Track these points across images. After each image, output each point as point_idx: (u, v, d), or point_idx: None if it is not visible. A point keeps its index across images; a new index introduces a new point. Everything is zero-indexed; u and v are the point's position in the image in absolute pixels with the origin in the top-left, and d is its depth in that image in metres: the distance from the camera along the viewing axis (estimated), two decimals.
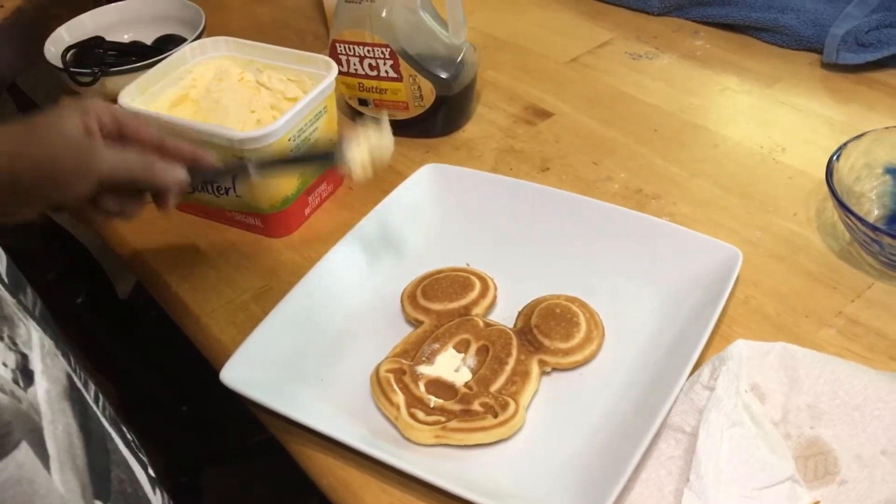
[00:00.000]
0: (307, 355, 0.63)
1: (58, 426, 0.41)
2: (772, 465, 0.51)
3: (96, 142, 0.55)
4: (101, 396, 0.50)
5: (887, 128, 0.69)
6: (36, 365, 0.42)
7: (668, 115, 0.86)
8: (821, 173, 0.67)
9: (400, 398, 0.57)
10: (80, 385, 0.46)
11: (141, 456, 0.51)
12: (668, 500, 0.52)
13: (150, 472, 0.51)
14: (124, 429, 0.51)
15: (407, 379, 0.58)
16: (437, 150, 0.85)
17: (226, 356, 0.62)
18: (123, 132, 0.58)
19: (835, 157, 0.67)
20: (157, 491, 0.51)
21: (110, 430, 0.48)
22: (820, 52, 0.89)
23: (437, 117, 0.85)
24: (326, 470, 0.57)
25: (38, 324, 0.45)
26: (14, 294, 0.45)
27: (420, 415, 0.56)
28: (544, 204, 0.72)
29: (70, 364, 0.46)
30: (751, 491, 0.50)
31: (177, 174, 0.59)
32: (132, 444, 0.51)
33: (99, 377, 0.53)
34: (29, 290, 0.48)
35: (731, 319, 0.63)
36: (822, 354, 0.58)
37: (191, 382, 1.02)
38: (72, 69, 0.91)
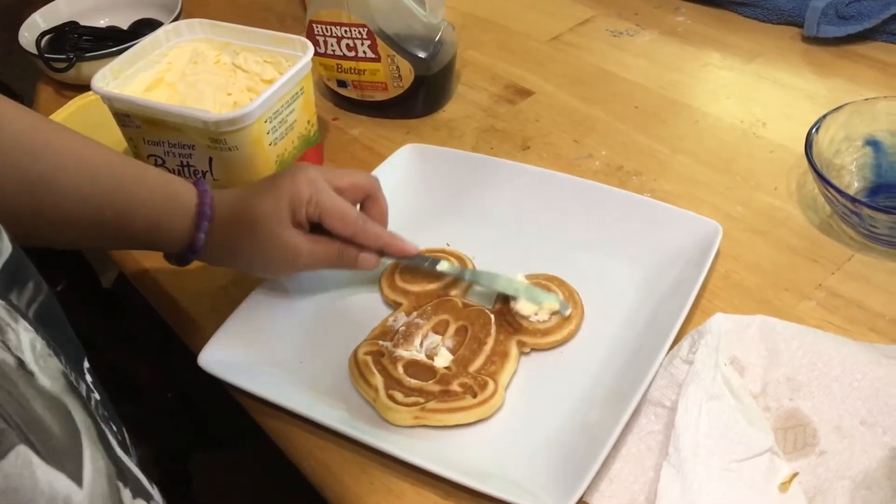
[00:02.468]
0: (286, 338, 0.62)
1: (61, 424, 0.40)
2: (751, 437, 0.51)
3: (301, 245, 0.60)
4: (92, 396, 0.49)
5: (867, 99, 0.69)
6: (32, 367, 0.41)
7: (649, 91, 0.85)
8: (801, 147, 0.66)
9: (378, 380, 0.56)
10: (74, 384, 0.46)
11: (131, 456, 0.51)
12: (648, 474, 0.52)
13: (141, 473, 0.50)
14: (115, 428, 0.51)
15: (385, 361, 0.58)
16: (418, 130, 0.84)
17: (205, 341, 0.61)
18: (324, 221, 0.60)
19: (814, 130, 0.67)
20: (154, 487, 0.50)
21: (105, 430, 0.47)
22: (801, 25, 0.89)
23: (417, 97, 0.84)
24: (307, 452, 0.57)
25: (31, 324, 0.45)
26: (4, 295, 0.44)
27: (399, 396, 0.55)
28: (525, 183, 0.72)
29: (61, 363, 0.46)
30: (730, 463, 0.50)
31: (367, 264, 0.62)
32: (123, 443, 0.51)
33: (89, 368, 0.53)
34: (30, 285, 0.47)
35: (711, 294, 0.63)
36: (802, 327, 0.58)
37: (178, 369, 1.01)
38: (46, 55, 0.90)
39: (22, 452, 0.35)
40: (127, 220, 0.60)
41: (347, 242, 0.61)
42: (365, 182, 0.63)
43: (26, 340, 0.42)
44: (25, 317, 0.45)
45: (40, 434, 0.38)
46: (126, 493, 0.44)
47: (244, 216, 0.60)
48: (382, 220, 0.64)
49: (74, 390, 0.44)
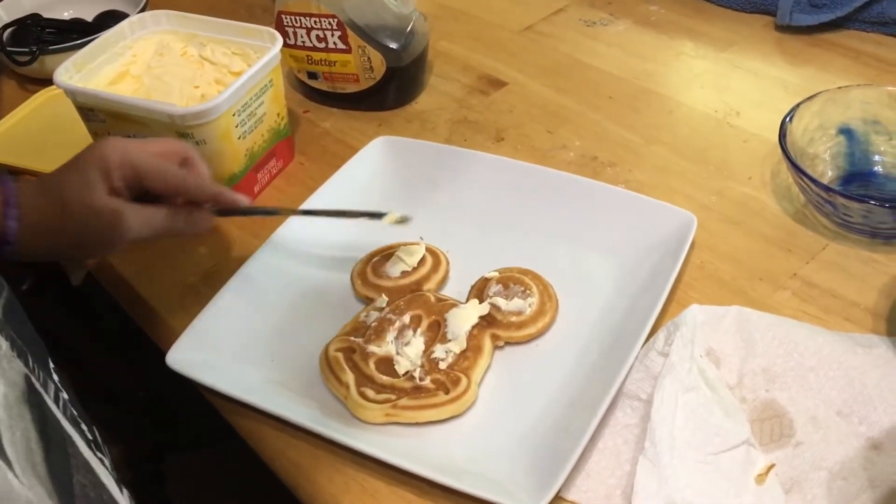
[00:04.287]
0: (257, 336, 0.61)
1: (16, 432, 0.39)
2: (727, 429, 0.51)
3: (121, 208, 0.57)
4: (60, 395, 0.48)
5: (840, 88, 0.69)
6: None
7: (622, 81, 0.85)
8: (775, 136, 0.66)
9: (349, 377, 0.55)
10: (38, 387, 0.45)
11: (103, 455, 0.50)
12: (625, 468, 0.52)
13: (112, 472, 0.49)
14: (84, 428, 0.49)
15: (357, 357, 0.57)
16: (390, 122, 0.83)
17: (174, 339, 0.60)
18: (144, 182, 0.58)
19: (787, 119, 0.67)
20: (124, 490, 0.49)
21: (71, 431, 0.46)
22: (774, 14, 0.89)
23: (389, 89, 0.83)
24: (278, 452, 0.56)
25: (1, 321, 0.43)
26: None
27: (370, 393, 0.54)
28: (499, 175, 0.71)
29: (28, 365, 0.45)
30: (706, 456, 0.50)
31: (201, 225, 0.61)
32: (93, 443, 0.49)
33: (56, 368, 0.52)
34: None
35: (687, 285, 0.63)
36: (777, 317, 0.57)
37: (149, 369, 1.00)
38: (9, 48, 0.88)
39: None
40: None
41: (176, 205, 0.59)
42: (178, 147, 0.61)
43: None
44: None
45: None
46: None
47: (53, 196, 0.57)
48: (204, 177, 0.61)
49: (32, 397, 0.42)
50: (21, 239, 0.58)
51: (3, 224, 0.57)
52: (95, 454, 0.48)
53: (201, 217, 0.60)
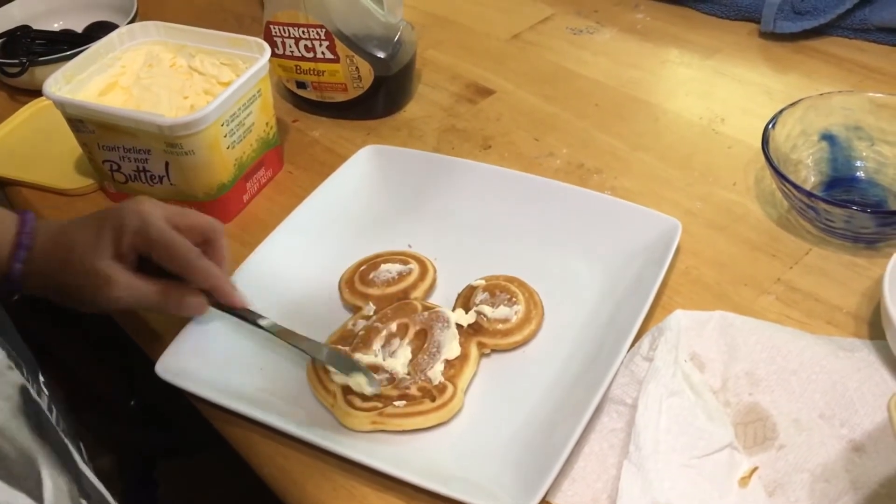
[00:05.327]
0: (245, 344, 0.62)
1: (14, 446, 0.39)
2: (711, 433, 0.52)
3: (115, 276, 0.58)
4: (54, 407, 0.48)
5: (822, 94, 0.70)
6: None
7: (609, 89, 0.86)
8: (759, 142, 0.67)
9: (337, 385, 0.56)
10: (35, 397, 0.45)
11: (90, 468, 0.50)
12: (610, 472, 0.52)
13: (100, 485, 0.49)
14: (80, 442, 0.50)
15: None
16: (378, 131, 0.84)
17: (163, 348, 0.60)
18: (152, 255, 0.59)
19: (770, 126, 0.67)
20: (115, 501, 0.49)
21: (68, 444, 0.46)
22: (758, 21, 0.90)
23: (377, 98, 0.83)
24: (268, 459, 0.56)
25: None
26: None
27: (357, 401, 0.55)
28: (487, 182, 0.72)
29: (23, 374, 0.45)
30: (690, 459, 0.50)
31: (192, 310, 0.60)
32: (84, 456, 0.50)
33: (45, 377, 0.52)
34: None
35: (672, 290, 0.63)
36: (760, 321, 0.58)
37: (140, 377, 1.00)
38: None
39: None
40: None
41: (178, 282, 0.59)
42: (205, 225, 0.61)
43: None
44: None
45: None
46: None
47: (62, 246, 0.59)
48: (220, 265, 0.61)
49: (29, 407, 0.43)
50: (24, 280, 0.60)
51: (11, 264, 0.60)
52: (87, 465, 0.48)
53: (194, 303, 0.60)
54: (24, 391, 0.43)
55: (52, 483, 0.39)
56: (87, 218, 0.61)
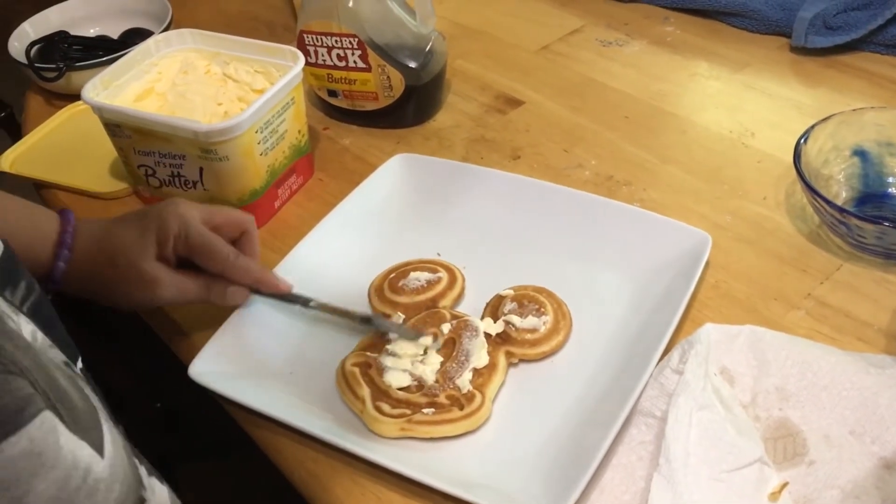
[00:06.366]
0: (276, 349, 0.62)
1: (80, 396, 0.40)
2: (740, 447, 0.51)
3: (161, 276, 0.60)
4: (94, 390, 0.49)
5: (854, 110, 0.70)
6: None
7: (638, 101, 0.86)
8: (789, 157, 0.67)
9: (365, 391, 0.56)
10: (78, 373, 0.46)
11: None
12: (639, 485, 0.52)
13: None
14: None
15: (373, 372, 0.57)
16: (408, 140, 0.84)
17: (195, 352, 0.61)
18: (193, 258, 0.61)
19: (802, 140, 0.67)
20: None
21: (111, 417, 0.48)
22: (789, 35, 0.90)
23: (408, 107, 0.84)
24: (297, 464, 0.57)
25: (29, 319, 0.44)
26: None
27: (386, 408, 0.55)
28: (515, 192, 0.72)
29: (64, 356, 0.46)
30: (720, 473, 0.50)
31: (235, 300, 0.63)
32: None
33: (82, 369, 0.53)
34: (23, 284, 0.47)
35: (701, 304, 0.63)
36: (790, 336, 0.58)
37: (163, 379, 1.01)
38: (36, 65, 0.90)
39: (48, 418, 0.35)
40: None
41: (219, 277, 0.62)
42: (240, 218, 0.64)
43: (28, 332, 0.42)
44: (22, 312, 0.45)
45: (65, 403, 0.38)
46: (142, 470, 0.44)
47: (106, 246, 0.61)
48: (255, 256, 0.64)
49: (75, 381, 0.44)
50: (67, 280, 0.61)
51: (54, 264, 0.61)
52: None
53: (237, 293, 0.63)
54: (69, 368, 0.44)
55: (111, 437, 0.40)
56: (127, 218, 0.62)
